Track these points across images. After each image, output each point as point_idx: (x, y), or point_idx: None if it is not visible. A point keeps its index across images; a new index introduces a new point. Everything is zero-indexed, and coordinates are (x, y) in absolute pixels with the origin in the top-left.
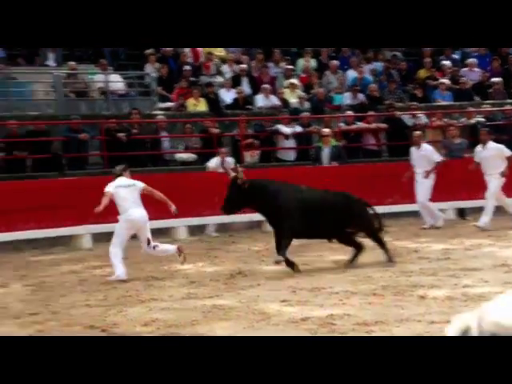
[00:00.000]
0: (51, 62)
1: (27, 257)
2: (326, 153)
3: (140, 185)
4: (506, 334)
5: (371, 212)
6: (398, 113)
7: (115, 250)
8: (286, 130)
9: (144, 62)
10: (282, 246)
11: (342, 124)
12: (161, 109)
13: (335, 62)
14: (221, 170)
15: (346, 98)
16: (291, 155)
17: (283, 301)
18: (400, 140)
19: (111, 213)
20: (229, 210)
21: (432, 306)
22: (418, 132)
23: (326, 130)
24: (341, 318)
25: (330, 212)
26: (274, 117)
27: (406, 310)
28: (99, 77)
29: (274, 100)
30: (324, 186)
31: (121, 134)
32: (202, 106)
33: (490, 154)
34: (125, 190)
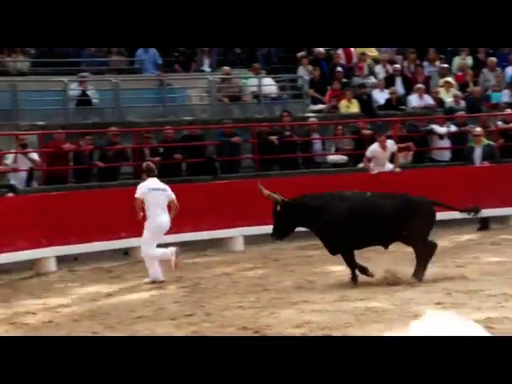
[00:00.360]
0: (206, 68)
1: (182, 259)
2: (477, 152)
3: (170, 193)
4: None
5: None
6: None
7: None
8: (440, 129)
9: (296, 64)
10: (347, 264)
11: (499, 122)
12: (313, 111)
13: (493, 59)
14: (380, 155)
15: (505, 96)
16: (446, 155)
17: (437, 303)
18: None
19: (263, 216)
20: (278, 235)
21: None
22: None
23: (478, 130)
24: (500, 321)
25: (379, 217)
26: (428, 117)
27: None
28: (252, 81)
29: (428, 100)
30: (475, 186)
31: (273, 137)
32: (354, 107)
33: None
34: (157, 193)
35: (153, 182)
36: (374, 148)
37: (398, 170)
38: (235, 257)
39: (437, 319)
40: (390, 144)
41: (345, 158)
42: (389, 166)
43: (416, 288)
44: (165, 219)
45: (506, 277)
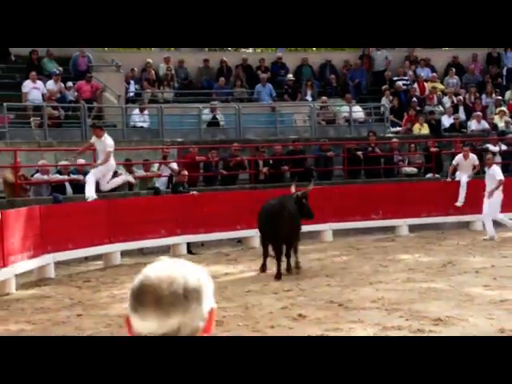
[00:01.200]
0: (309, 97)
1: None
2: None
3: None
4: None
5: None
6: None
7: None
8: (494, 148)
9: (381, 95)
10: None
11: None
12: (392, 132)
13: None
14: (463, 163)
15: None
16: (497, 169)
17: (485, 285)
18: None
19: (346, 214)
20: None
21: None
22: None
23: (492, 148)
24: None
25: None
26: (484, 137)
27: None
28: (345, 108)
29: (485, 124)
30: None
31: (359, 152)
32: (425, 129)
33: None
34: None
35: None
36: (459, 157)
37: (469, 178)
38: (325, 246)
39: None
40: (472, 156)
41: (415, 170)
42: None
43: (468, 273)
44: None
45: None
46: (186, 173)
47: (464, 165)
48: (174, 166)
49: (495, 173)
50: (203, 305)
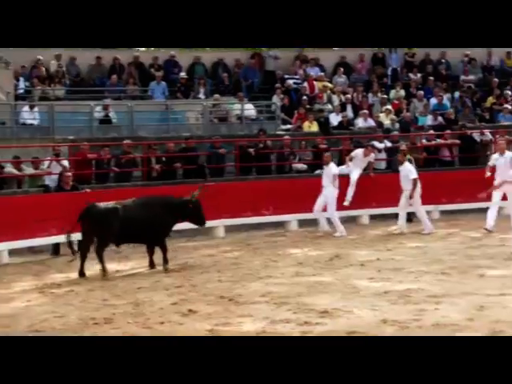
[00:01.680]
0: (201, 95)
1: (175, 243)
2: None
3: None
4: None
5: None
6: (469, 131)
7: None
8: (379, 145)
9: (272, 93)
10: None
11: (424, 140)
12: (282, 130)
13: (421, 92)
14: (360, 158)
15: (428, 120)
16: (382, 165)
17: (370, 278)
18: (470, 153)
19: (237, 210)
20: None
21: (489, 283)
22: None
23: (404, 146)
24: (416, 291)
25: None
26: (370, 135)
27: (468, 286)
28: (237, 106)
29: (371, 122)
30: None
31: (250, 149)
32: (314, 127)
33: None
34: None
35: None
36: (360, 152)
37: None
38: (217, 242)
39: None
40: (372, 157)
41: (305, 166)
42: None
43: (354, 267)
44: None
45: (423, 258)
46: (69, 174)
47: (359, 160)
48: (65, 163)
49: (409, 171)
50: None
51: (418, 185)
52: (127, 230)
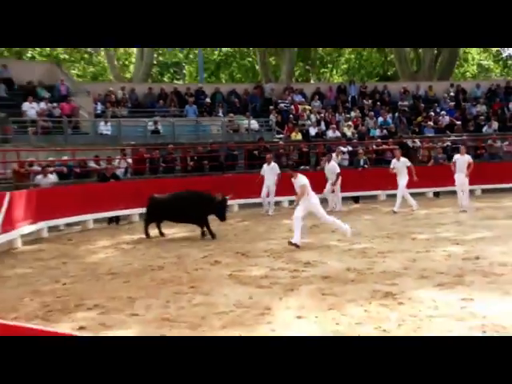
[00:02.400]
0: (220, 114)
1: None
2: (361, 162)
3: None
4: None
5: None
6: (405, 140)
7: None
8: (343, 149)
9: (269, 113)
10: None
11: (374, 146)
12: (277, 138)
13: (372, 113)
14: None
15: (377, 132)
16: (346, 163)
17: (338, 240)
18: (405, 155)
19: (248, 193)
20: None
21: (418, 244)
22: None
23: (361, 150)
24: (369, 249)
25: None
26: (338, 142)
27: (404, 245)
28: (245, 121)
29: (338, 133)
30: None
31: (255, 152)
32: (299, 136)
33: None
34: None
35: None
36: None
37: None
38: (233, 215)
39: None
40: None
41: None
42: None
43: (328, 233)
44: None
45: (374, 227)
46: (110, 166)
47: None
48: (129, 161)
49: (335, 168)
50: None
51: (340, 177)
52: (172, 212)
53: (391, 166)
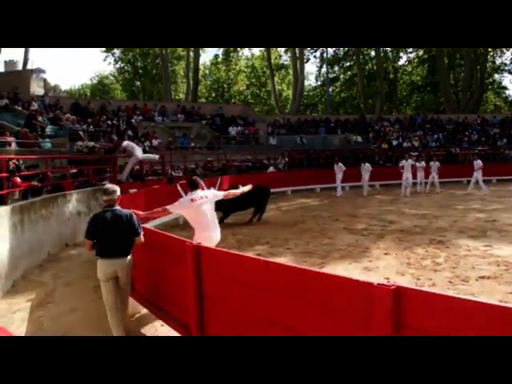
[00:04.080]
0: (339, 132)
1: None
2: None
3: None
4: None
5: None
6: (450, 149)
7: None
8: (412, 153)
9: (368, 132)
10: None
11: (431, 152)
12: (374, 146)
13: (430, 132)
14: None
15: (433, 144)
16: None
17: (409, 208)
18: (450, 159)
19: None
20: None
21: (457, 212)
22: None
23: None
24: (428, 214)
25: None
26: (409, 149)
27: (449, 212)
28: (354, 137)
29: (409, 144)
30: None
31: (360, 155)
32: (385, 146)
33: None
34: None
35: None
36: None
37: None
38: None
39: None
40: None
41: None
42: None
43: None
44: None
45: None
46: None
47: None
48: (286, 159)
49: (409, 163)
50: None
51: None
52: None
53: (416, 164)
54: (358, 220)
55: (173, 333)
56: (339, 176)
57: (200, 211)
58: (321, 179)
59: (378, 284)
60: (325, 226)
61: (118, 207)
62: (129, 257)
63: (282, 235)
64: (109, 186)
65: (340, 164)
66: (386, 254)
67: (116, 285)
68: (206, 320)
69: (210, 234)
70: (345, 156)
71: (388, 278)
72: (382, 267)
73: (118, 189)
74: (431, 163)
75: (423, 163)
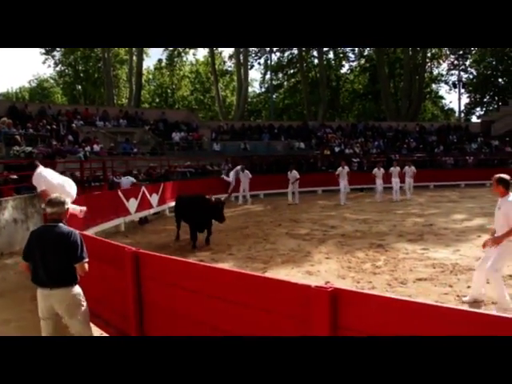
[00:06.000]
0: (282, 139)
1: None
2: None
3: None
4: None
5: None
6: (390, 155)
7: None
8: (354, 160)
9: (311, 139)
10: None
11: (372, 158)
12: (316, 152)
13: (371, 139)
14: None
15: (374, 151)
16: (355, 168)
17: (351, 214)
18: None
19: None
20: None
21: (397, 216)
22: None
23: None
24: (369, 219)
25: None
26: (351, 156)
27: (389, 217)
28: (297, 143)
29: (351, 151)
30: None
31: (302, 160)
32: (328, 152)
33: None
34: None
35: None
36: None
37: None
38: None
39: None
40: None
41: None
42: None
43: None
44: None
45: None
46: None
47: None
48: (229, 165)
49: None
50: None
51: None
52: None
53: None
54: (301, 225)
55: None
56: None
57: None
58: (264, 185)
59: (316, 286)
60: (267, 232)
61: (62, 224)
62: (73, 289)
63: (225, 241)
64: (54, 196)
65: (294, 171)
66: (327, 258)
67: (58, 327)
68: (146, 327)
69: None
70: (288, 162)
71: (329, 282)
72: (324, 271)
73: (66, 200)
74: (406, 168)
75: (398, 168)
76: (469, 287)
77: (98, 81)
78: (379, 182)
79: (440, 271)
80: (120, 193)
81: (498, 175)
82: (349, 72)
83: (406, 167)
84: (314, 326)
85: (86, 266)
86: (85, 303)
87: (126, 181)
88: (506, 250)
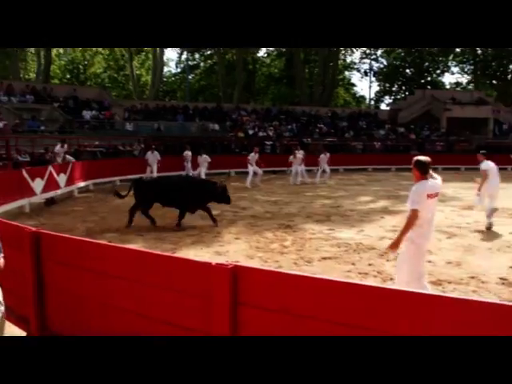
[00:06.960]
0: (197, 120)
1: None
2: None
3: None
4: None
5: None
6: (302, 139)
7: None
8: (267, 143)
9: (225, 121)
10: None
11: (284, 141)
12: (230, 135)
13: (285, 123)
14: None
15: (287, 134)
16: (269, 150)
17: (262, 195)
18: (302, 148)
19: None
20: None
21: (306, 198)
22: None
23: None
24: (279, 200)
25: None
26: (264, 139)
27: (298, 199)
28: (211, 125)
29: (265, 134)
30: None
31: (216, 143)
32: (242, 135)
33: None
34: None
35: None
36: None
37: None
38: None
39: None
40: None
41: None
42: None
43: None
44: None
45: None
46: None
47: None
48: (142, 146)
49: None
50: None
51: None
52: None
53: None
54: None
55: (12, 327)
56: (203, 167)
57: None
58: (177, 167)
59: (217, 264)
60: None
61: None
62: None
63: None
64: None
65: (204, 155)
66: (236, 238)
67: None
68: (48, 311)
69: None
70: (202, 144)
71: (237, 261)
72: (233, 251)
73: None
74: (322, 156)
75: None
76: (370, 265)
77: (1, 52)
78: (295, 167)
79: (344, 250)
80: (25, 172)
81: (416, 157)
82: (265, 56)
83: (322, 155)
84: (215, 302)
85: (2, 261)
86: (2, 307)
87: (152, 157)
88: (408, 260)
